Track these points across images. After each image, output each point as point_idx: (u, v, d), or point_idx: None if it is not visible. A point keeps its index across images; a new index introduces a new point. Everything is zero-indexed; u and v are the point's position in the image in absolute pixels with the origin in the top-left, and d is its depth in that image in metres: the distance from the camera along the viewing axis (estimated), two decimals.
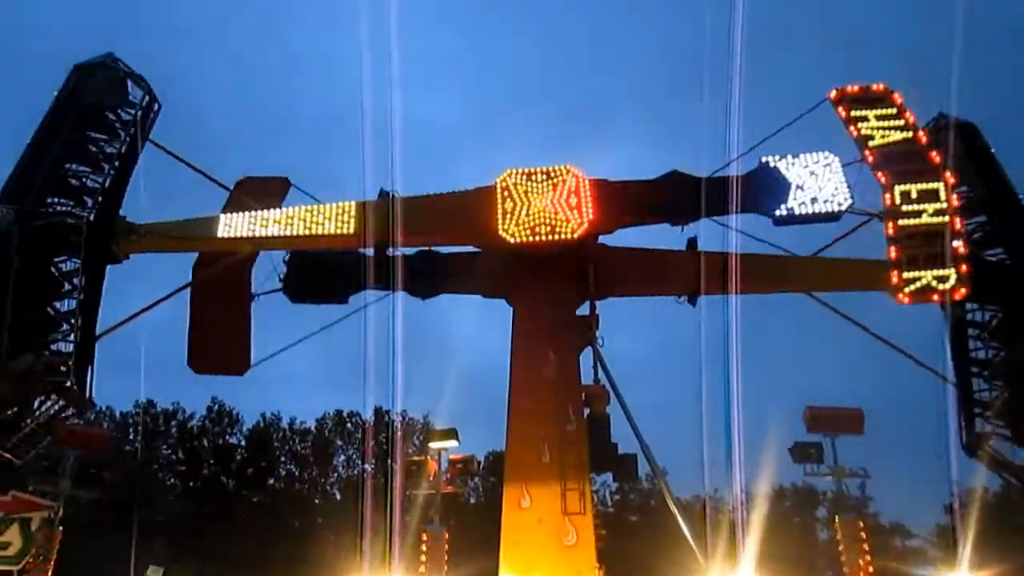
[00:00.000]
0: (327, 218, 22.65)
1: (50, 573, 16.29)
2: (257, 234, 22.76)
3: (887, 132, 21.77)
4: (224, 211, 23.92)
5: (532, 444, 19.43)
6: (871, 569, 14.38)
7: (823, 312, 23.53)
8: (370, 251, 22.63)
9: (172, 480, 49.06)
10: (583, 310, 22.32)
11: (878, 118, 22.01)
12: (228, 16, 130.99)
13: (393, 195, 22.80)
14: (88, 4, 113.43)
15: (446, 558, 14.53)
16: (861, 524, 17.22)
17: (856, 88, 22.80)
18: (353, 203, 22.86)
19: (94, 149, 23.50)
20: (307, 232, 22.64)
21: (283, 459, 51.12)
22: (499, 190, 21.97)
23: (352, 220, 22.51)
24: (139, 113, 24.27)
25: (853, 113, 22.19)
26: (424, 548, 14.61)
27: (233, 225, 22.93)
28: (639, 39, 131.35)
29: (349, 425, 52.68)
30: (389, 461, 46.72)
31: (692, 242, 23.41)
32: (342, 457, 52.04)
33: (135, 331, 23.34)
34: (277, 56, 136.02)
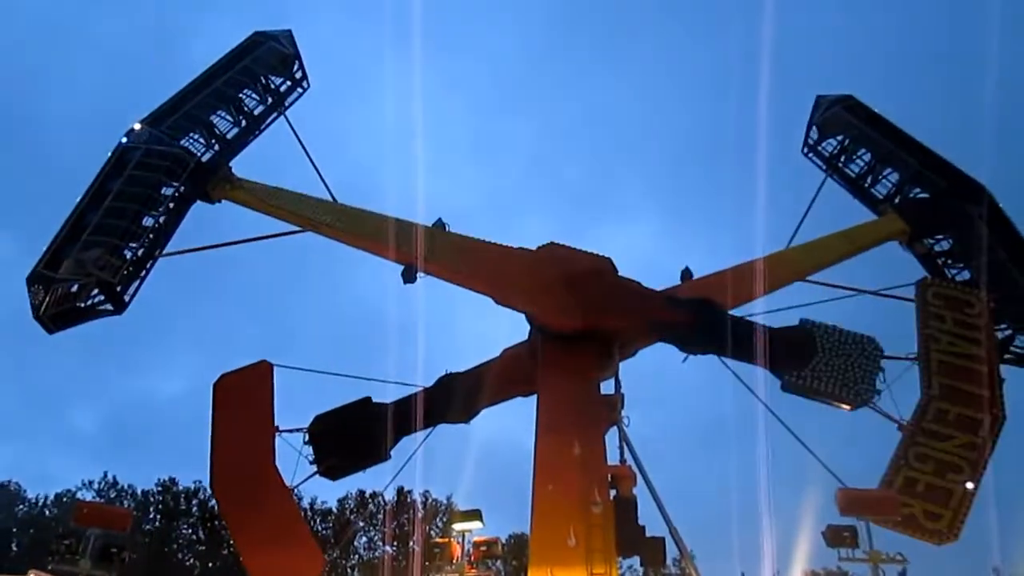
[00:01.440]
0: (387, 227, 23.75)
1: None
2: (316, 219, 24.36)
3: (957, 343, 21.25)
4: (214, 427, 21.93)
5: (558, 526, 19.00)
6: None
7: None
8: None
9: (191, 560, 48.41)
10: (607, 389, 22.19)
11: (956, 323, 21.55)
12: None
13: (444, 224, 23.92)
14: None
15: None
16: None
17: (952, 287, 23.01)
18: (413, 224, 23.85)
19: (241, 101, 26.49)
20: (357, 231, 24.17)
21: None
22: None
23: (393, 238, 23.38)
24: (285, 84, 27.29)
25: (932, 307, 22.03)
26: None
27: (304, 205, 24.66)
28: (652, 118, 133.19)
29: (371, 506, 52.02)
30: (411, 543, 46.04)
31: (686, 273, 23.67)
32: (363, 539, 51.24)
33: (158, 407, 23.35)
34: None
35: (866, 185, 26.80)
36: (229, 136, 26.01)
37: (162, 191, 23.83)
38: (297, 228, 24.85)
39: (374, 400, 22.36)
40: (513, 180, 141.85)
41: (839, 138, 27.28)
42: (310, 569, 20.81)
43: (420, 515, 46.27)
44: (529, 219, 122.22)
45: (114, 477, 51.00)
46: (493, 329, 25.13)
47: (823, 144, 27.72)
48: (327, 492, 63.54)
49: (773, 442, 21.69)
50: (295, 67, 27.65)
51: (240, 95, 26.43)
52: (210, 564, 47.65)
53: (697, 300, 22.29)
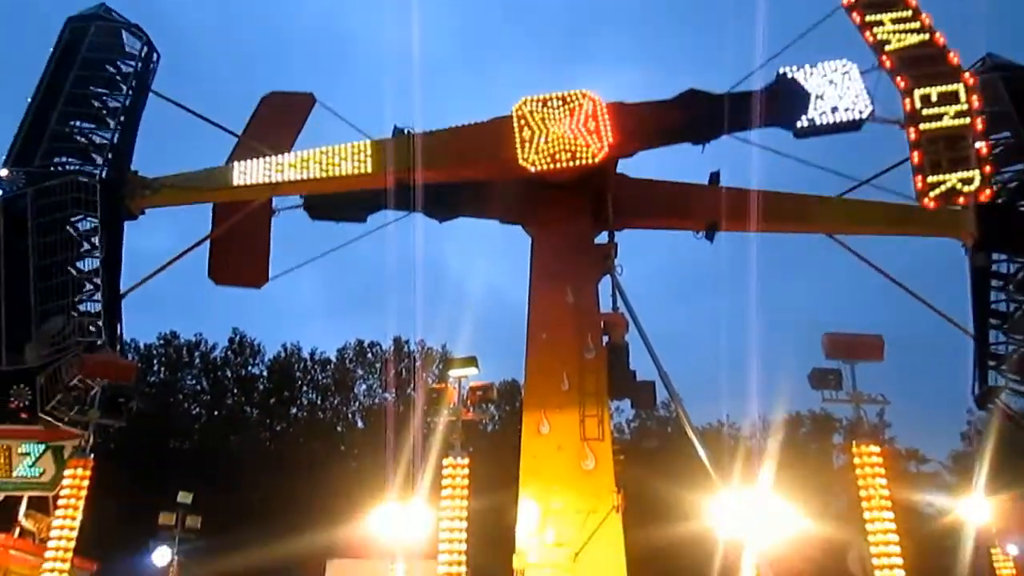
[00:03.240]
0: (343, 159, 22.42)
1: (83, 499, 16.76)
2: (273, 180, 22.58)
3: (903, 36, 21.15)
4: (245, 132, 23.98)
5: (551, 372, 19.60)
6: (886, 494, 14.51)
7: (842, 252, 23.43)
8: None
9: (197, 409, 49.98)
10: (601, 239, 22.32)
11: (893, 21, 21.32)
12: None
13: (411, 132, 22.72)
14: None
15: (467, 484, 14.80)
16: (877, 450, 17.31)
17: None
18: (368, 142, 22.67)
19: (97, 104, 23.28)
20: (324, 175, 22.41)
21: (305, 389, 51.87)
22: (516, 119, 21.72)
23: (369, 159, 22.30)
24: (139, 64, 23.85)
25: (867, 18, 21.53)
26: (446, 474, 14.87)
27: (248, 172, 22.66)
28: None
29: (370, 355, 53.25)
30: (409, 390, 47.50)
31: (714, 176, 23.19)
32: (363, 387, 52.73)
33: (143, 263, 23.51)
34: None
35: None
36: (115, 141, 22.70)
37: (78, 227, 21.33)
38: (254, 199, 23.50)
39: None
40: (488, 27, 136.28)
41: None
42: (255, 279, 25.81)
43: (419, 363, 47.51)
44: (505, 68, 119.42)
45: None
46: None
47: None
48: (327, 343, 65.14)
49: (765, 294, 22.11)
50: (131, 39, 24.34)
51: (99, 93, 23.38)
52: (215, 412, 49.25)
53: (683, 93, 22.12)
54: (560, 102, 21.78)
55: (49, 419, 19.32)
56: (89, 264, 21.18)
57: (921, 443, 47.90)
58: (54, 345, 19.68)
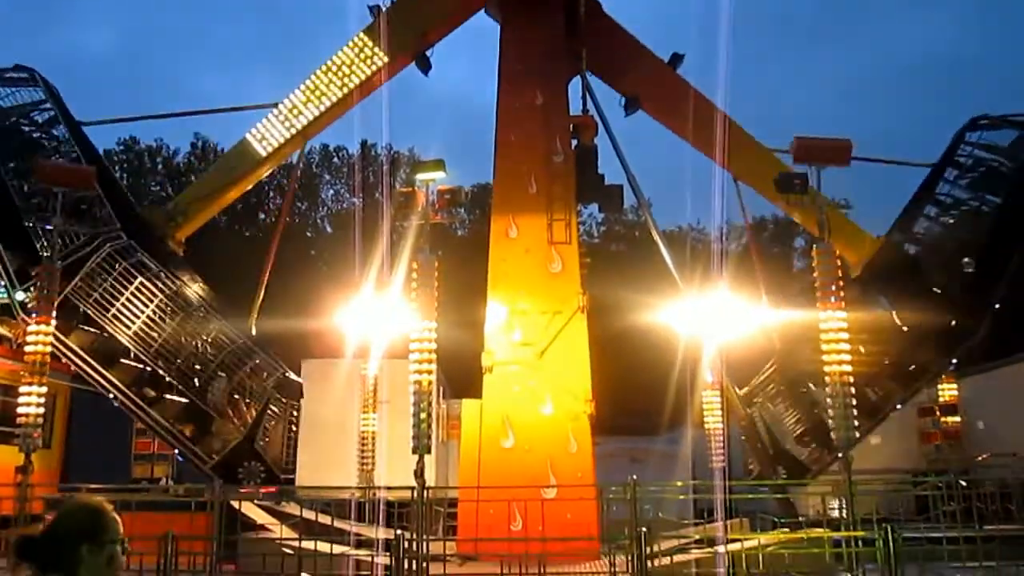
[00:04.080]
0: (353, 65, 21.14)
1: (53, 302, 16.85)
2: (298, 126, 21.37)
3: None
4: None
5: (519, 175, 19.46)
6: (842, 294, 15.00)
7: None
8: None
9: None
10: None
11: None
12: None
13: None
14: None
15: (436, 284, 15.03)
16: (837, 252, 17.71)
17: None
18: (361, 34, 21.46)
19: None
20: (344, 91, 21.19)
21: (271, 194, 51.42)
22: None
23: (377, 50, 21.10)
24: (56, 110, 21.04)
25: None
26: (415, 275, 15.07)
27: (268, 134, 21.27)
28: None
29: (336, 160, 52.55)
30: (377, 194, 47.31)
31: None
32: (330, 192, 52.42)
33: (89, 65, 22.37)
34: None
35: None
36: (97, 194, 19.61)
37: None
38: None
39: None
40: None
41: None
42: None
43: (386, 167, 47.02)
44: None
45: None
46: None
47: None
48: None
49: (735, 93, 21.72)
50: (32, 90, 21.25)
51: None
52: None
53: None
54: None
55: None
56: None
57: None
58: None
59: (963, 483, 17.17)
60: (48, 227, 18.13)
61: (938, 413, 26.26)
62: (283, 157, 23.12)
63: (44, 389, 15.59)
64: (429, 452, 14.38)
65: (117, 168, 48.96)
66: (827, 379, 14.02)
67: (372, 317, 18.65)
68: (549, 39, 20.61)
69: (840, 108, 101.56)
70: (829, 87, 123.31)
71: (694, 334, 19.57)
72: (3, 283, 19.63)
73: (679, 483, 20.63)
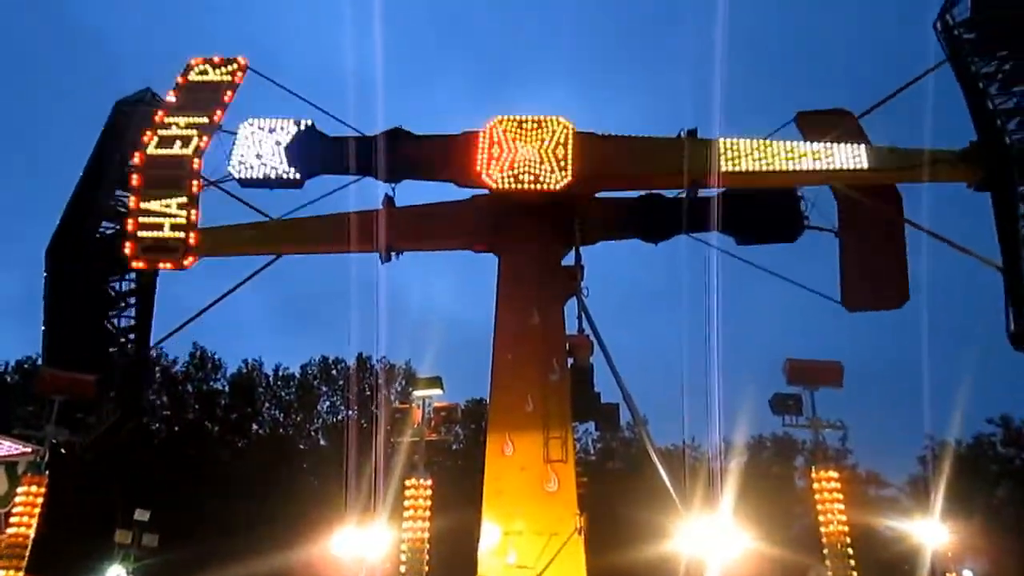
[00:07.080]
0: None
1: (36, 516, 16.41)
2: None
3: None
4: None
5: (516, 393, 19.60)
6: (843, 519, 14.69)
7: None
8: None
9: (157, 425, 49.16)
10: (568, 260, 22.43)
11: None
12: None
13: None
14: None
15: (430, 505, 14.73)
16: (836, 475, 17.53)
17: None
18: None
19: None
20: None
21: (267, 405, 51.29)
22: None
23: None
24: None
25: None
26: (409, 495, 14.78)
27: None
28: None
29: (334, 372, 52.81)
30: (372, 408, 47.18)
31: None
32: (327, 404, 52.27)
33: None
34: None
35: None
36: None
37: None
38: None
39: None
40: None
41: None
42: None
43: (382, 381, 47.21)
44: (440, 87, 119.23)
45: None
46: None
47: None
48: (291, 358, 64.47)
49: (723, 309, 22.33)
50: None
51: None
52: (175, 428, 48.49)
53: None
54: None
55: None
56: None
57: (883, 467, 48.55)
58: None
59: None
60: None
61: None
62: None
63: None
64: None
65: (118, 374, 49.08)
66: None
67: (362, 538, 18.04)
68: (546, 265, 21.52)
69: None
70: None
71: (695, 558, 18.87)
72: None
73: None
